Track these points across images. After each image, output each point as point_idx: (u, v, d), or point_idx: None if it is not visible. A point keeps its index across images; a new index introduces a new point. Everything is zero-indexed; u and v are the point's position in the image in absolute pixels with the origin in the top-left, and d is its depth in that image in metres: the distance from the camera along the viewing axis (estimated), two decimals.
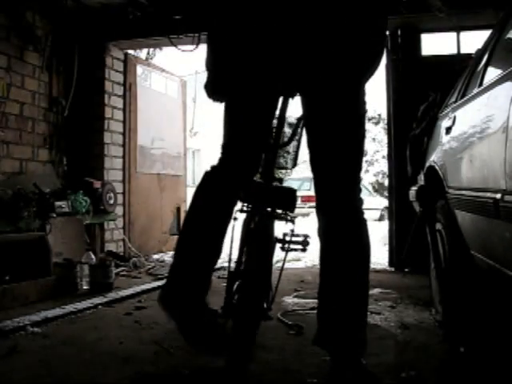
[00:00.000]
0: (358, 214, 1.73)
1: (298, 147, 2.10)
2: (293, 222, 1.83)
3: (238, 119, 1.74)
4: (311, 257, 5.48)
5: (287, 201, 1.79)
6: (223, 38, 1.70)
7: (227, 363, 1.57)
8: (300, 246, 1.78)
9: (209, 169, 1.80)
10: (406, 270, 4.47)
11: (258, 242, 1.70)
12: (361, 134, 1.72)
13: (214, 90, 1.79)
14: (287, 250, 1.77)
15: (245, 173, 1.76)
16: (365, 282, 1.75)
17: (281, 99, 1.72)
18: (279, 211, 1.77)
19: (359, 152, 1.73)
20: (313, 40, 1.57)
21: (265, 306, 1.84)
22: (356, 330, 1.70)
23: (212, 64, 1.77)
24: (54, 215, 3.89)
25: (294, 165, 2.24)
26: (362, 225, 1.74)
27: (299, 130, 1.85)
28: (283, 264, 1.84)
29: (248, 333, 1.62)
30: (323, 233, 1.78)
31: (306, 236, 1.78)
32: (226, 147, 1.77)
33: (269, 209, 1.74)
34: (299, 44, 1.57)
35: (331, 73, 1.60)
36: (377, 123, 23.33)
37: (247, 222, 1.82)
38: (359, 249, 1.73)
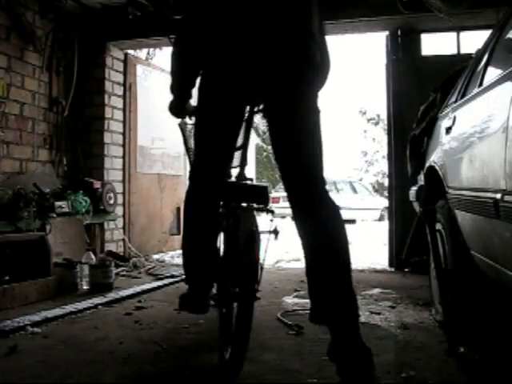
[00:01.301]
0: (328, 207, 1.87)
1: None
2: (273, 213, 2.05)
3: (211, 126, 1.96)
4: None
5: (260, 196, 1.99)
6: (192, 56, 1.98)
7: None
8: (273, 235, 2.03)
9: (189, 181, 2.04)
10: (406, 270, 4.47)
11: (232, 233, 1.91)
12: (317, 137, 1.89)
13: (180, 110, 2.25)
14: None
15: (219, 173, 1.98)
16: (346, 263, 1.84)
17: (248, 108, 1.98)
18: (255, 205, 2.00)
19: (318, 148, 1.89)
20: (271, 60, 1.83)
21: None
22: (344, 305, 1.81)
23: (180, 84, 2.17)
24: (54, 215, 3.90)
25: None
26: (335, 214, 1.89)
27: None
28: (265, 253, 2.00)
29: (229, 313, 1.89)
30: (297, 222, 1.88)
31: (276, 227, 2.02)
32: (199, 154, 2.00)
33: (244, 204, 1.97)
34: (260, 64, 1.84)
35: (286, 84, 1.86)
36: (376, 123, 23.37)
37: (226, 217, 1.97)
38: (335, 234, 1.87)
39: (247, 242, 1.91)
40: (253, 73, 1.86)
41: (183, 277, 4.13)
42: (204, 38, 1.90)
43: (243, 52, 1.84)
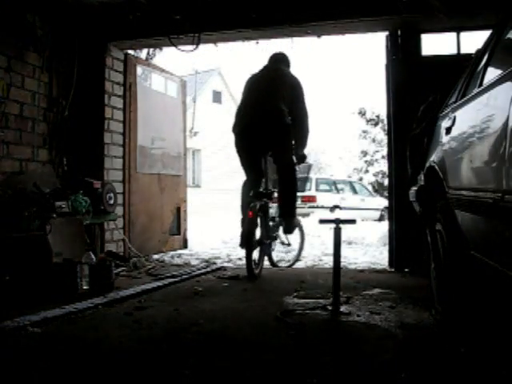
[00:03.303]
0: (292, 173, 4.35)
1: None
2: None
3: (248, 166, 4.43)
4: (311, 257, 5.48)
5: (269, 196, 4.48)
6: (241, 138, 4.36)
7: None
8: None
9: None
10: (406, 270, 4.46)
11: (263, 215, 4.34)
12: (292, 164, 4.37)
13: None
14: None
15: (255, 184, 4.36)
16: (293, 196, 4.45)
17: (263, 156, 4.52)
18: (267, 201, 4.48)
19: (293, 167, 4.41)
20: (269, 139, 4.23)
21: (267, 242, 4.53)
22: (290, 210, 4.40)
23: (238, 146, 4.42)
24: (54, 215, 3.89)
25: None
26: (292, 176, 4.37)
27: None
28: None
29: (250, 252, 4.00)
30: (279, 180, 4.44)
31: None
32: (246, 175, 4.48)
33: (265, 199, 4.39)
34: (266, 141, 4.25)
35: (276, 146, 4.32)
36: (376, 124, 23.37)
37: (258, 207, 4.15)
38: (290, 184, 4.35)
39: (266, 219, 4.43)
40: (259, 142, 4.27)
41: (183, 277, 4.16)
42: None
43: (255, 136, 4.24)
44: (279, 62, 4.54)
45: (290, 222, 4.44)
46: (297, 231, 4.91)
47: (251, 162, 4.32)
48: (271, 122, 4.12)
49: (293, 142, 4.38)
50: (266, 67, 4.53)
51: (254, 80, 4.43)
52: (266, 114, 4.12)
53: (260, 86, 4.29)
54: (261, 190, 4.36)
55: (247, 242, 3.92)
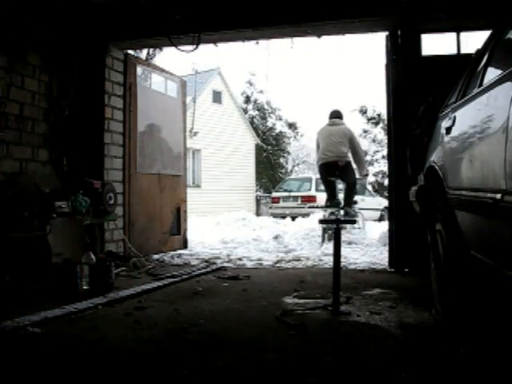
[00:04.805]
0: (352, 186, 7.13)
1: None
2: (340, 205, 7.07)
3: (327, 186, 7.24)
4: (311, 257, 5.48)
5: (338, 204, 7.07)
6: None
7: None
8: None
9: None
10: (406, 270, 4.46)
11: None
12: (353, 183, 7.13)
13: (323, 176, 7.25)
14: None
15: (330, 197, 7.29)
16: (351, 197, 7.12)
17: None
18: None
19: (355, 182, 7.24)
20: (338, 170, 6.82)
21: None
22: (348, 204, 6.99)
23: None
24: (54, 215, 3.89)
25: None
26: (354, 188, 7.21)
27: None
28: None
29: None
30: (345, 188, 7.29)
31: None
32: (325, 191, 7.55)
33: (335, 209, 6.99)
34: (336, 171, 6.84)
35: (342, 174, 6.91)
36: (377, 123, 23.35)
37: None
38: (350, 191, 7.13)
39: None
40: (332, 172, 6.85)
41: (183, 277, 4.16)
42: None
43: (329, 168, 6.84)
44: (339, 117, 7.11)
45: (347, 210, 6.88)
46: (360, 217, 7.77)
47: (328, 183, 7.09)
48: (339, 160, 6.73)
49: (354, 167, 7.08)
50: (333, 122, 7.02)
51: (327, 131, 6.96)
52: (337, 154, 6.74)
53: (331, 137, 6.87)
54: (334, 200, 7.02)
55: (322, 233, 6.73)
